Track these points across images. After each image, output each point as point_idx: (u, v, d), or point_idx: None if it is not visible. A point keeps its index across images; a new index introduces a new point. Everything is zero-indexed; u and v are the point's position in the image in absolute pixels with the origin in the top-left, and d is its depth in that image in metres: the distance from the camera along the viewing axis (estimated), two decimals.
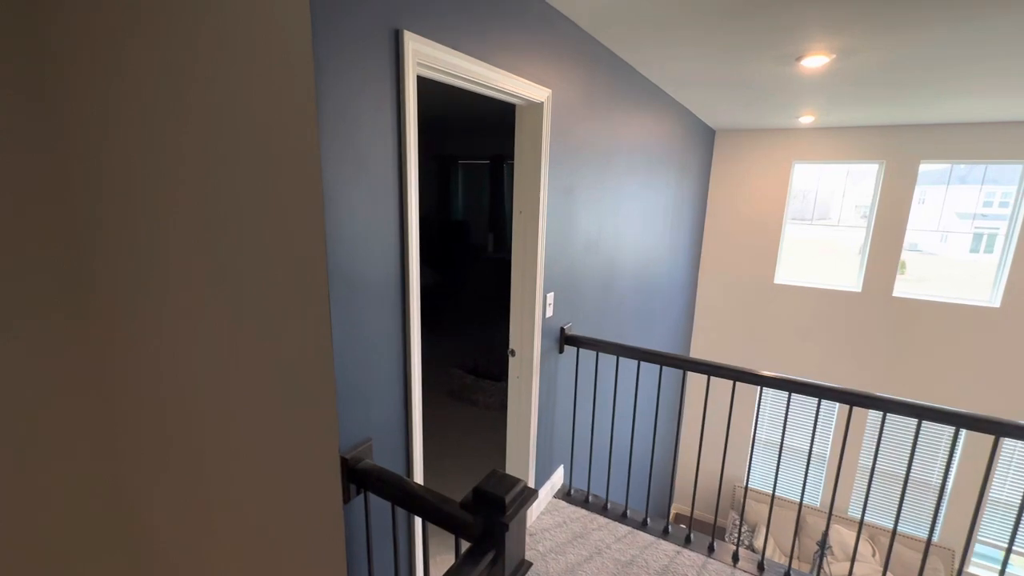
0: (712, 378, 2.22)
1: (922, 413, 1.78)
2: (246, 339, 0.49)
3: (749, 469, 2.45)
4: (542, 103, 1.96)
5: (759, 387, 1.91)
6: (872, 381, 5.20)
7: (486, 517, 1.07)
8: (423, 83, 1.44)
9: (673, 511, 6.56)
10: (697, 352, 6.05)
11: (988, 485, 1.74)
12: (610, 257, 2.95)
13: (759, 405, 5.85)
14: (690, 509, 2.44)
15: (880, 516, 5.40)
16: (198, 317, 0.44)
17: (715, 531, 2.40)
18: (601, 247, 2.80)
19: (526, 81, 1.83)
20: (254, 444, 0.52)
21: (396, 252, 1.37)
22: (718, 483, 2.22)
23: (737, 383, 2.18)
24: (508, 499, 1.06)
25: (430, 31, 1.35)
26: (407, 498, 1.26)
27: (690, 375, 6.11)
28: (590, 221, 2.62)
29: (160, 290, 0.41)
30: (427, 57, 1.34)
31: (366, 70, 1.20)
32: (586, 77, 2.32)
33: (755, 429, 2.27)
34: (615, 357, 2.40)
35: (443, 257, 6.57)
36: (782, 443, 2.16)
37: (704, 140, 5.02)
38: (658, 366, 2.34)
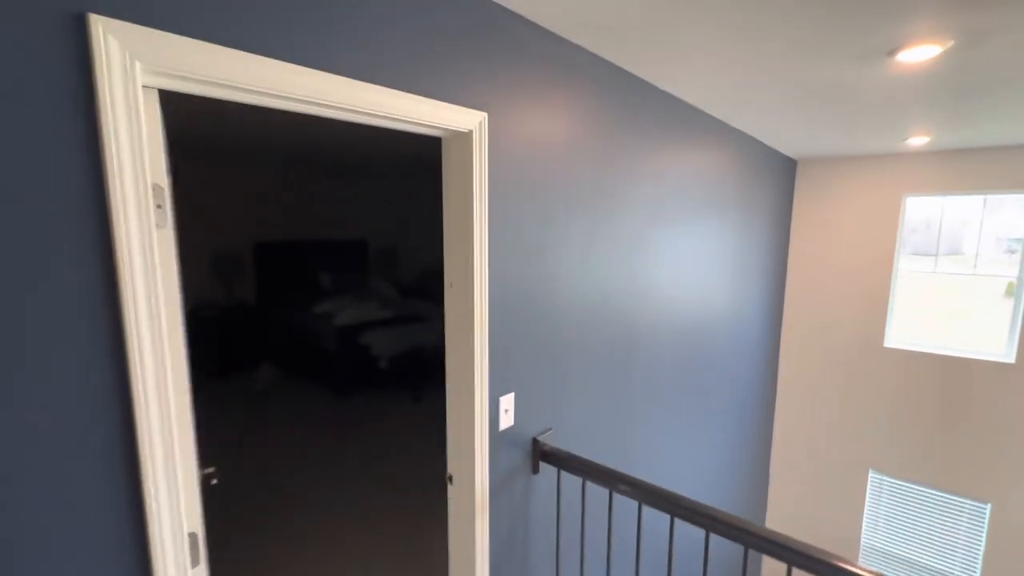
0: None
1: None
2: None
3: None
4: (470, 132, 1.37)
5: None
6: None
7: None
8: None
9: None
10: (782, 443, 4.85)
11: None
12: (623, 334, 2.20)
13: None
14: None
15: None
16: None
17: None
18: (605, 322, 2.07)
19: (433, 101, 1.25)
20: None
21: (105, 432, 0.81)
22: None
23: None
24: None
25: (173, 17, 0.82)
26: None
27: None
28: (584, 288, 1.93)
29: None
30: (171, 61, 0.81)
31: (9, 95, 0.68)
32: (564, 96, 1.70)
33: None
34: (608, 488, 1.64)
35: None
36: None
37: (780, 172, 4.09)
38: (670, 516, 1.54)
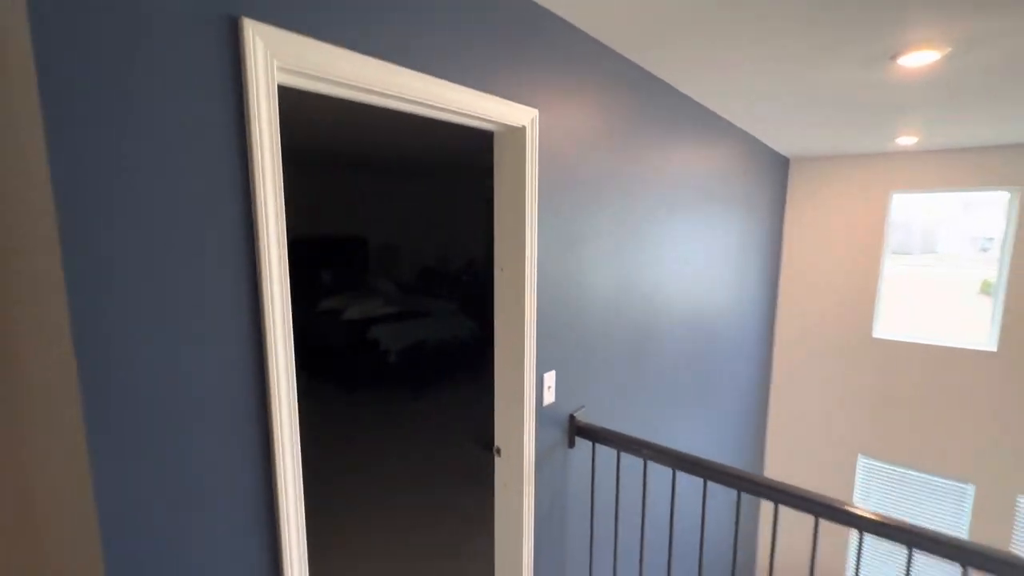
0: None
1: None
2: None
3: None
4: (524, 128, 1.49)
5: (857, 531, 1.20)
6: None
7: None
8: None
9: None
10: (777, 428, 5.06)
11: None
12: (642, 319, 2.34)
13: (860, 553, 4.72)
14: None
15: None
16: None
17: None
18: (628, 307, 2.21)
19: (494, 98, 1.37)
20: None
21: (247, 373, 0.91)
22: None
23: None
24: None
25: (300, 20, 0.93)
26: None
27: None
28: (611, 276, 2.06)
29: None
30: (297, 59, 0.91)
31: (176, 87, 0.79)
32: (598, 95, 1.83)
33: None
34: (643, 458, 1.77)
35: (484, 306, 6.16)
36: None
37: (775, 171, 4.28)
38: (702, 479, 1.68)
